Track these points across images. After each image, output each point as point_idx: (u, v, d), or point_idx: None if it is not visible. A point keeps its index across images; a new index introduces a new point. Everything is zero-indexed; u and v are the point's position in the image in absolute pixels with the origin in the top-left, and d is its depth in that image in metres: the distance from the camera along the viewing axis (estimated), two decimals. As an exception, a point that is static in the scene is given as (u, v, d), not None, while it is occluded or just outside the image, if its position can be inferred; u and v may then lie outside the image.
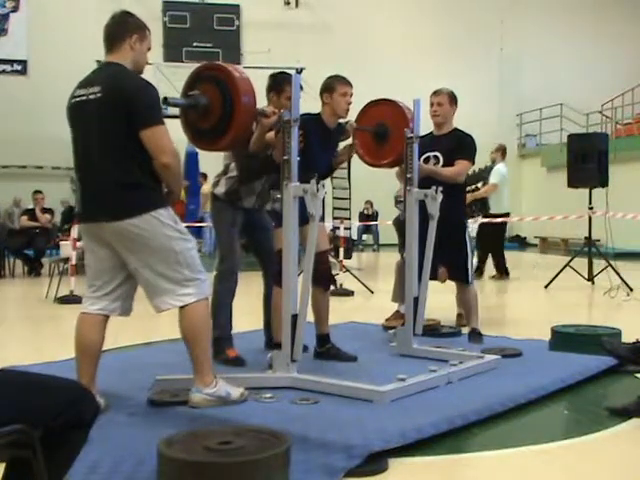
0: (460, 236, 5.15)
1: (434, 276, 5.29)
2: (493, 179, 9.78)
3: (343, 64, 17.51)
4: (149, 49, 3.35)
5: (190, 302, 3.22)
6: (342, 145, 4.61)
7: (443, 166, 5.03)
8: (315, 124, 4.16)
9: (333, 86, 4.24)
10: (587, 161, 9.08)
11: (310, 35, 17.61)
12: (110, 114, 3.13)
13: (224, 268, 4.35)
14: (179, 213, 3.58)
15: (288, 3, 17.97)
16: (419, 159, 4.87)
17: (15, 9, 16.71)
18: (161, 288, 3.21)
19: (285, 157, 3.60)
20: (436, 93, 5.14)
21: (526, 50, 18.67)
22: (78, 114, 3.26)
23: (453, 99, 5.15)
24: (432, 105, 5.11)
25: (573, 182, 9.32)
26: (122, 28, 3.27)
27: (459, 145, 5.06)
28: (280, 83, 4.25)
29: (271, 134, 3.92)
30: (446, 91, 5.15)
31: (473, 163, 5.17)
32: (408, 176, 4.52)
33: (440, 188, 4.55)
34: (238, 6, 17.22)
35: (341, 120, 4.37)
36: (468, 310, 5.29)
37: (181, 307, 3.24)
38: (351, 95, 4.27)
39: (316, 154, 4.10)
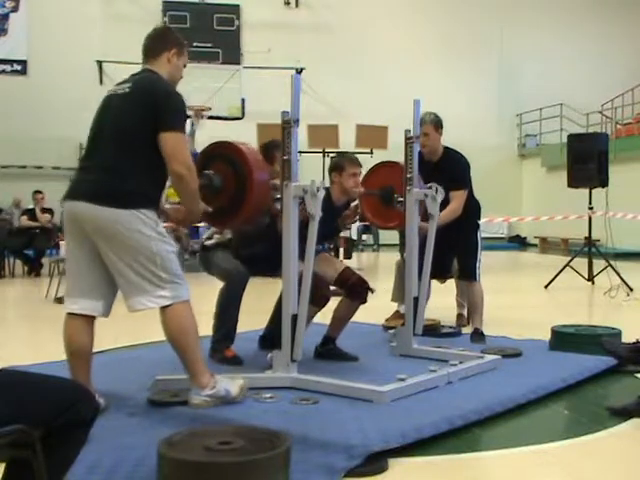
0: (473, 236, 5.25)
1: (442, 274, 5.34)
2: None
3: (343, 64, 17.60)
4: (185, 66, 3.44)
5: (165, 304, 3.19)
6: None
7: (445, 194, 4.93)
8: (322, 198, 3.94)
9: (342, 166, 4.30)
10: (587, 161, 9.08)
11: (310, 35, 17.59)
12: (133, 110, 3.17)
13: (228, 274, 4.34)
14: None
15: (288, 3, 17.95)
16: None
17: (15, 9, 16.70)
18: (137, 287, 3.17)
19: (285, 157, 3.60)
20: (420, 123, 4.91)
21: (526, 50, 18.65)
22: (104, 104, 3.32)
23: (438, 125, 5.13)
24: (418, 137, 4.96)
25: (573, 182, 9.33)
26: (162, 41, 3.38)
27: (452, 176, 5.01)
28: (270, 151, 4.27)
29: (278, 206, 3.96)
30: (429, 119, 5.06)
31: (469, 186, 5.20)
32: (408, 176, 4.52)
33: (440, 188, 4.56)
34: (238, 6, 17.21)
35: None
36: (473, 310, 5.32)
37: (161, 310, 3.21)
38: (360, 175, 4.32)
39: (318, 226, 3.85)
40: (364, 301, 4.37)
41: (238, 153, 3.56)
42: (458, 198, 5.08)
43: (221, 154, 3.63)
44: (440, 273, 5.33)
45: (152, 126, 3.13)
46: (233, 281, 4.31)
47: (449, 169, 5.08)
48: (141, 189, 3.18)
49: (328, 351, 4.39)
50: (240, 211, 3.56)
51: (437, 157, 5.18)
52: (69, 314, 3.31)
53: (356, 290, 4.32)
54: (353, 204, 4.57)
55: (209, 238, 4.49)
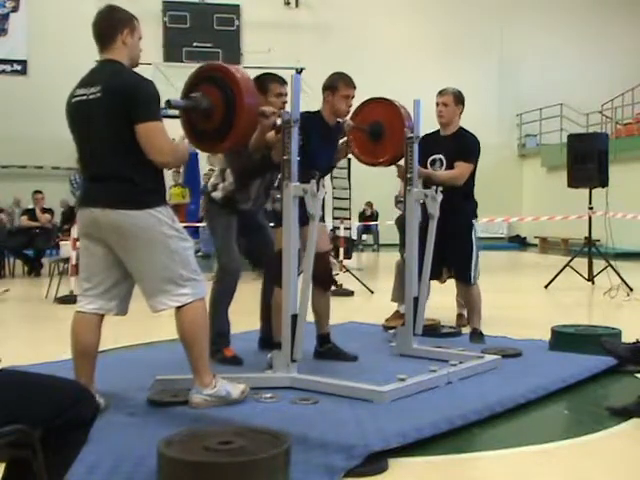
0: (467, 236, 5.13)
1: (437, 276, 5.29)
2: None
3: (343, 64, 17.51)
4: (140, 38, 3.33)
5: (186, 302, 3.20)
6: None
7: (446, 169, 5.04)
8: (315, 121, 4.17)
9: (336, 86, 4.20)
10: (587, 161, 9.08)
11: (310, 35, 17.61)
12: (110, 113, 3.13)
13: (220, 267, 4.36)
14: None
15: (288, 3, 17.97)
16: (426, 160, 4.89)
17: (15, 9, 16.71)
18: (157, 288, 3.19)
19: (285, 157, 3.60)
20: (441, 93, 5.13)
21: (526, 50, 18.67)
22: (78, 113, 3.26)
23: (459, 99, 5.15)
24: (437, 105, 5.11)
25: (573, 182, 9.33)
26: (110, 25, 3.26)
27: (460, 147, 5.06)
28: (264, 83, 4.19)
29: (271, 134, 3.92)
30: (451, 91, 5.14)
31: (474, 164, 5.12)
32: (408, 176, 4.52)
33: (440, 188, 4.56)
34: (238, 6, 17.22)
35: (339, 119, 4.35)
36: (470, 310, 5.30)
37: (178, 307, 3.22)
38: (353, 97, 4.22)
39: (316, 151, 4.10)
40: (327, 289, 4.40)
41: (227, 74, 3.45)
42: (462, 167, 5.02)
43: (210, 76, 3.52)
44: (437, 274, 5.28)
45: (130, 122, 3.10)
46: (226, 276, 4.31)
47: (459, 142, 5.07)
48: (150, 187, 3.19)
49: (328, 350, 4.39)
50: (229, 134, 3.43)
51: (449, 132, 5.16)
52: (79, 312, 3.32)
53: (321, 278, 4.28)
54: (342, 140, 4.51)
55: (214, 188, 4.38)
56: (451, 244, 5.02)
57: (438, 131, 5.16)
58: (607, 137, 9.91)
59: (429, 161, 5.02)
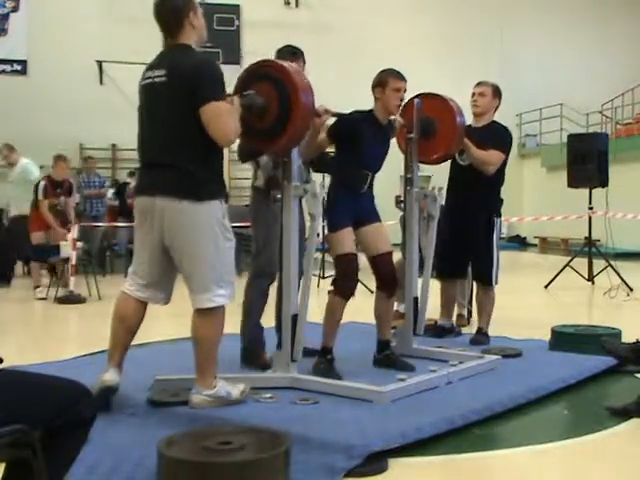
0: (489, 235, 5.06)
1: (461, 272, 5.27)
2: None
3: (343, 64, 17.61)
4: (204, 15, 3.35)
5: (221, 303, 3.20)
6: None
7: None
8: (367, 121, 4.08)
9: (386, 80, 4.09)
10: (587, 161, 9.09)
11: (310, 35, 17.58)
12: (175, 97, 3.11)
13: (257, 267, 4.18)
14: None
15: (288, 3, 17.96)
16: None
17: (15, 9, 16.69)
18: (202, 284, 3.18)
19: (285, 158, 3.60)
20: (480, 84, 5.18)
21: (526, 50, 18.66)
22: (145, 96, 3.26)
23: (497, 92, 5.18)
24: (473, 95, 5.13)
25: (573, 182, 9.33)
26: (175, 14, 3.24)
27: (492, 136, 5.01)
28: (287, 58, 4.01)
29: (322, 135, 3.86)
30: (491, 83, 5.19)
31: (505, 154, 5.07)
32: (408, 176, 4.51)
33: (440, 188, 4.56)
34: (238, 6, 17.20)
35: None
36: (482, 310, 5.19)
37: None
38: (405, 91, 4.10)
39: (368, 151, 4.03)
40: (392, 294, 4.22)
41: (282, 71, 3.40)
42: (492, 154, 4.97)
43: (264, 73, 3.47)
44: (455, 273, 5.26)
45: (195, 105, 3.08)
46: (260, 278, 4.16)
47: (491, 134, 5.04)
48: (209, 178, 3.17)
49: (385, 358, 4.22)
50: (284, 132, 3.38)
51: (481, 124, 5.12)
52: (127, 294, 3.34)
53: (386, 281, 4.17)
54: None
55: (255, 177, 4.23)
56: (474, 243, 5.01)
57: (469, 125, 5.03)
58: (607, 137, 9.92)
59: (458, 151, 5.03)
